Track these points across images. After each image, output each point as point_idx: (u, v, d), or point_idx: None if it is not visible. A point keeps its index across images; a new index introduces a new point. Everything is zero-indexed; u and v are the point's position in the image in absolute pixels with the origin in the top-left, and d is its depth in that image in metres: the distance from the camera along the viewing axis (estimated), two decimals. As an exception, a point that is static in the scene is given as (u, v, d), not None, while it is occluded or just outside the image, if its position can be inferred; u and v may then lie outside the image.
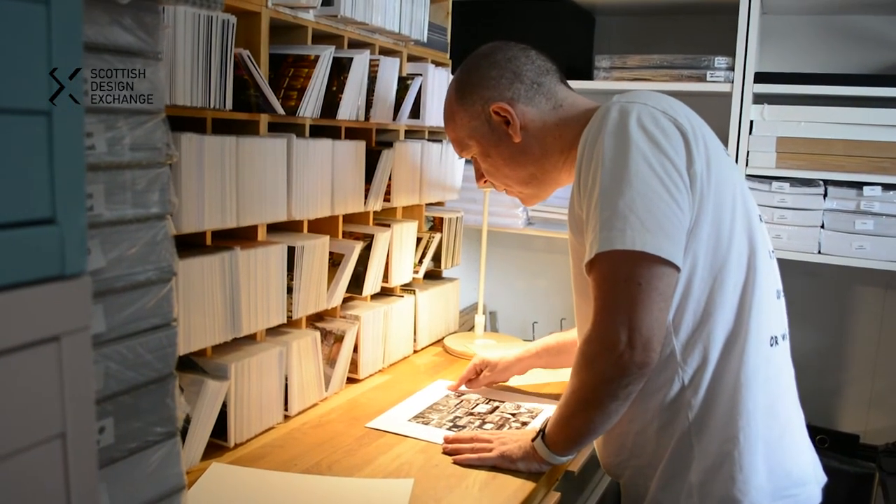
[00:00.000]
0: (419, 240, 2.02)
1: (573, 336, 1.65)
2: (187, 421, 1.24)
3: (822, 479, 1.25)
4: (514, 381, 1.77)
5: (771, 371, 1.18)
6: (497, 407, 1.60)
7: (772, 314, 1.20)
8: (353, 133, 1.72)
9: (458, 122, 1.40)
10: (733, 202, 1.16)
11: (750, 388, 1.14)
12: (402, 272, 1.92)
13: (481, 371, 1.69)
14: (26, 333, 0.48)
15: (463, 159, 2.15)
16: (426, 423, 1.50)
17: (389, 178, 1.79)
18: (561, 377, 1.81)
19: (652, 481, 1.20)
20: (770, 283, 1.20)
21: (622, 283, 1.06)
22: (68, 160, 0.49)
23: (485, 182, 1.47)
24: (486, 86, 1.34)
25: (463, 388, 1.71)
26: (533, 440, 1.28)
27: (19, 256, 0.47)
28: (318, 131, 1.59)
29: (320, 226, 1.63)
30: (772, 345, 1.18)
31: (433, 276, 2.18)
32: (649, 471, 1.21)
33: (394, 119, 1.81)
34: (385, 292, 1.92)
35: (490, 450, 1.32)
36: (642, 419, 1.20)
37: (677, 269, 1.08)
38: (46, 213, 0.49)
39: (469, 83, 1.37)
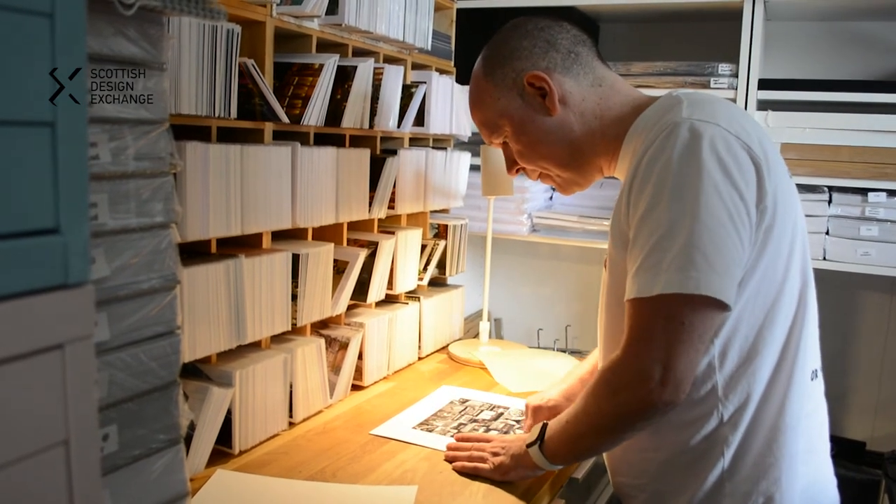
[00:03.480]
0: (424, 247, 2.02)
1: None
2: (192, 428, 1.25)
3: (838, 500, 1.23)
4: (517, 389, 1.77)
5: (812, 406, 1.15)
6: (501, 413, 1.61)
7: (813, 348, 1.16)
8: (357, 141, 1.73)
9: (486, 102, 1.27)
10: (793, 234, 1.10)
11: (793, 427, 1.11)
12: (407, 279, 1.92)
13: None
14: (30, 341, 0.48)
15: (468, 166, 2.15)
16: (430, 431, 1.50)
17: (394, 186, 1.80)
18: (565, 384, 1.81)
19: None
20: (814, 314, 1.16)
21: (664, 320, 1.01)
22: (72, 171, 0.50)
23: (517, 171, 1.34)
24: (518, 56, 1.22)
25: (470, 396, 1.70)
26: (528, 446, 1.25)
27: (23, 265, 0.48)
28: (322, 139, 1.60)
29: (325, 233, 1.64)
30: (812, 379, 1.15)
31: (438, 283, 2.18)
32: (670, 498, 1.17)
33: (398, 127, 1.81)
34: (389, 299, 1.92)
35: (485, 459, 1.31)
36: (670, 449, 1.16)
37: (728, 310, 1.03)
38: (50, 222, 0.50)
39: (499, 56, 1.25)
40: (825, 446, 1.21)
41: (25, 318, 0.48)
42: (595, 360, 1.49)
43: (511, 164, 1.34)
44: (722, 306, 1.01)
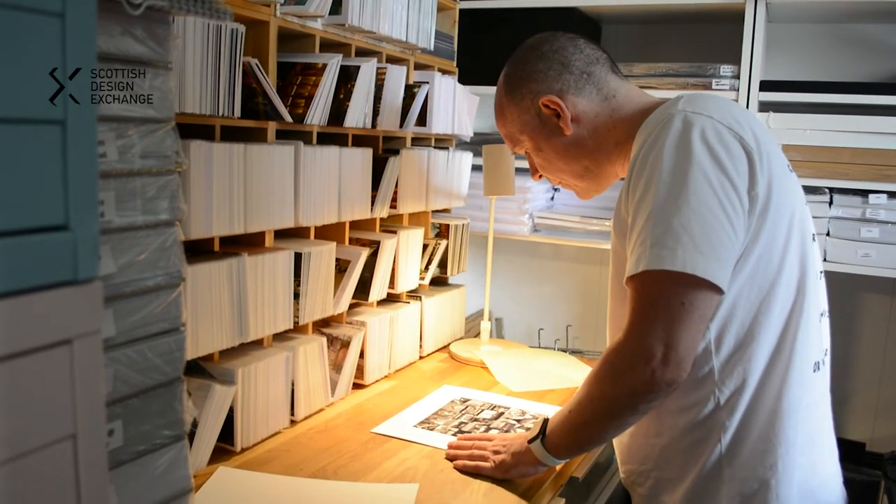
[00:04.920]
0: (425, 246, 2.03)
1: None
2: (194, 425, 1.25)
3: (846, 499, 1.24)
4: (517, 389, 1.78)
5: (812, 398, 1.16)
6: (502, 413, 1.61)
7: (816, 338, 1.18)
8: (360, 140, 1.74)
9: (508, 118, 1.36)
10: (790, 223, 1.13)
11: (791, 416, 1.12)
12: (409, 278, 1.93)
13: None
14: (40, 336, 0.49)
15: (470, 166, 2.16)
16: (431, 429, 1.51)
17: (396, 185, 1.81)
18: (564, 384, 1.82)
19: (675, 496, 1.19)
20: (815, 305, 1.18)
21: (665, 300, 1.03)
22: (81, 168, 0.51)
23: (539, 177, 1.43)
24: (535, 79, 1.30)
25: (471, 395, 1.71)
26: (530, 442, 1.26)
27: (34, 261, 0.49)
28: (325, 139, 1.61)
29: (327, 232, 1.65)
30: (815, 370, 1.17)
31: (439, 282, 2.19)
32: (673, 485, 1.19)
33: (400, 126, 1.82)
34: (391, 298, 1.93)
35: (486, 458, 1.32)
36: (670, 434, 1.18)
37: (721, 292, 1.06)
38: (60, 219, 0.50)
39: (517, 77, 1.33)
40: (829, 442, 1.22)
41: (35, 314, 0.49)
42: None
43: (534, 172, 1.43)
44: (714, 288, 1.04)
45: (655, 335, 1.04)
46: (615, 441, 1.32)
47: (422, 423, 1.54)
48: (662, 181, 1.06)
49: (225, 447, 1.36)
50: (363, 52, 1.73)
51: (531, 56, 1.32)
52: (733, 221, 1.05)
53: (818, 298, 1.20)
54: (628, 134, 1.25)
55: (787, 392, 1.12)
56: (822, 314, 1.22)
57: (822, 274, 1.23)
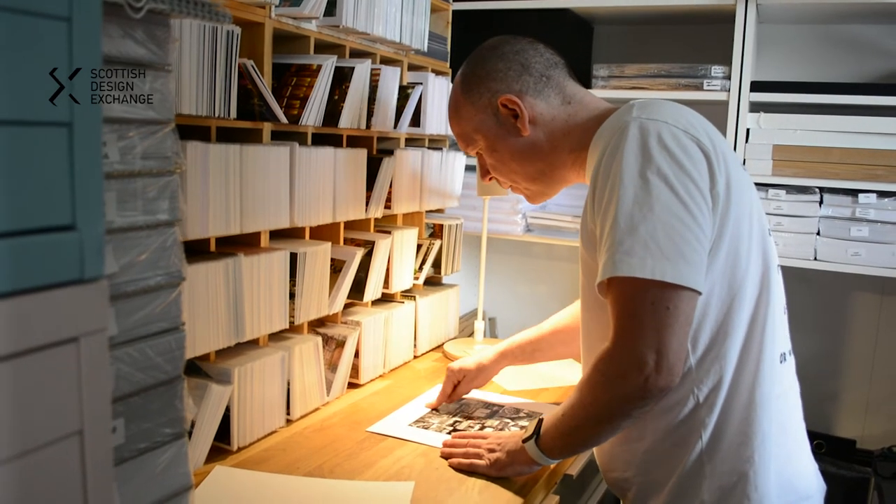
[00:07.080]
0: (419, 246, 2.04)
1: (546, 331, 1.65)
2: (191, 424, 1.26)
3: (823, 487, 1.26)
4: (512, 388, 1.79)
5: (782, 389, 1.18)
6: (496, 411, 1.62)
7: (781, 329, 1.20)
8: (354, 141, 1.75)
9: (463, 117, 1.36)
10: (750, 219, 1.15)
11: (764, 407, 1.14)
12: (403, 278, 1.94)
13: (459, 381, 1.64)
14: (47, 334, 0.50)
15: (463, 167, 2.17)
16: (426, 428, 1.52)
17: (390, 186, 1.82)
18: (557, 383, 1.83)
19: (659, 498, 1.20)
20: (779, 299, 1.20)
21: (650, 306, 1.03)
22: (88, 169, 0.52)
23: (490, 179, 1.43)
24: (494, 78, 1.31)
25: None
26: (524, 441, 1.27)
27: (42, 261, 0.50)
28: (320, 139, 1.62)
29: (322, 232, 1.65)
30: (781, 362, 1.19)
31: (433, 282, 2.20)
32: (657, 487, 1.20)
33: (394, 127, 1.83)
34: (386, 298, 1.94)
35: (481, 456, 1.33)
36: (653, 437, 1.19)
37: (699, 293, 1.07)
38: (67, 219, 0.51)
39: (475, 76, 1.33)
40: (800, 431, 1.24)
41: (43, 312, 0.49)
42: (532, 333, 1.65)
43: (484, 174, 1.44)
44: (691, 290, 1.05)
45: (646, 342, 1.04)
46: (595, 448, 1.33)
47: (417, 421, 1.55)
48: (625, 188, 1.06)
49: (221, 446, 1.37)
50: (357, 54, 1.74)
51: (491, 56, 1.33)
52: (699, 221, 1.06)
53: (780, 292, 1.22)
54: (582, 141, 1.27)
55: (760, 384, 1.14)
56: (784, 307, 1.24)
57: (779, 268, 1.25)
